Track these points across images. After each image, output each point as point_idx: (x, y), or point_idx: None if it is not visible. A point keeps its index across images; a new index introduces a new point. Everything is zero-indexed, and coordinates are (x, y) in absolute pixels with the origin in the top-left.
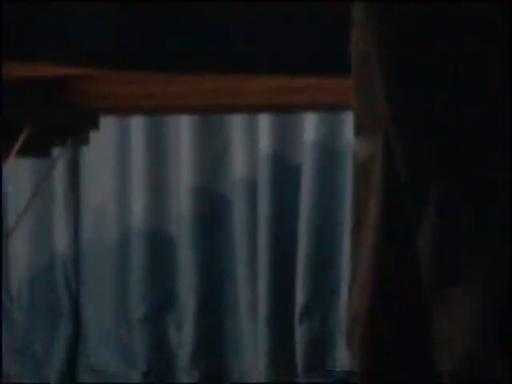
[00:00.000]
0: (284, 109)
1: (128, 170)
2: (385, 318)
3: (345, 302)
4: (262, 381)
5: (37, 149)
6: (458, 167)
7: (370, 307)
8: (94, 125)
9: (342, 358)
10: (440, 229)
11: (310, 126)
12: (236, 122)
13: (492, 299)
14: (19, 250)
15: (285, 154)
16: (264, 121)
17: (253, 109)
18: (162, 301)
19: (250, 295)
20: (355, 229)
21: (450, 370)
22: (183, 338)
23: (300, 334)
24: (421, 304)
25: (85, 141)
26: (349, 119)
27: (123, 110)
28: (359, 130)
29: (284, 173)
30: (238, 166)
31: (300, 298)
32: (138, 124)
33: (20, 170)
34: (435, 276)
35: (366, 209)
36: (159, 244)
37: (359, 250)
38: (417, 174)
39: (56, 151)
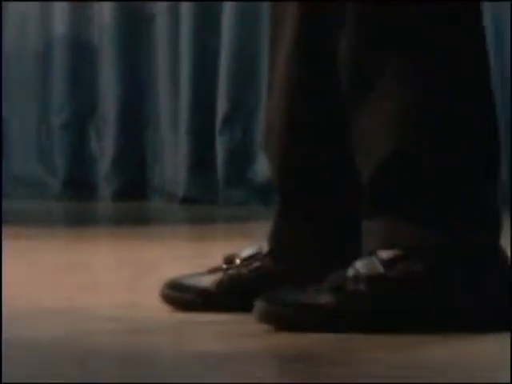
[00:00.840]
0: None
1: None
2: (301, 127)
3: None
4: (182, 191)
5: None
6: None
7: (286, 118)
8: None
9: (262, 170)
10: (360, 36)
11: None
12: None
13: (410, 107)
14: None
15: None
16: None
17: None
18: (83, 109)
19: (172, 105)
20: (273, 39)
21: (367, 177)
22: (104, 147)
23: (220, 145)
24: (337, 117)
25: None
26: None
27: None
28: None
29: None
30: None
31: (222, 108)
32: None
33: None
34: (354, 81)
35: (283, 18)
36: (81, 53)
37: (276, 59)
38: None
39: None
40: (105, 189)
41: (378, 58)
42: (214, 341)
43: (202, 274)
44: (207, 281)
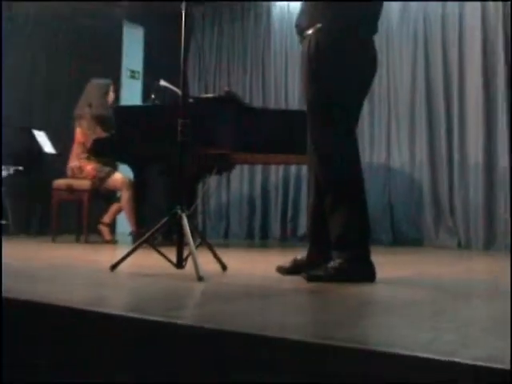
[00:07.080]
0: None
1: None
2: (317, 219)
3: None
4: None
5: None
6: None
7: (312, 214)
8: None
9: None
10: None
11: None
12: None
13: (348, 219)
14: None
15: None
16: None
17: None
18: None
19: None
20: (310, 173)
21: (333, 245)
22: None
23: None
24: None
25: None
26: None
27: None
28: None
29: None
30: None
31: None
32: None
33: None
34: (328, 207)
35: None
36: None
37: (310, 191)
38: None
39: None
40: None
41: (334, 204)
42: None
43: None
44: None
